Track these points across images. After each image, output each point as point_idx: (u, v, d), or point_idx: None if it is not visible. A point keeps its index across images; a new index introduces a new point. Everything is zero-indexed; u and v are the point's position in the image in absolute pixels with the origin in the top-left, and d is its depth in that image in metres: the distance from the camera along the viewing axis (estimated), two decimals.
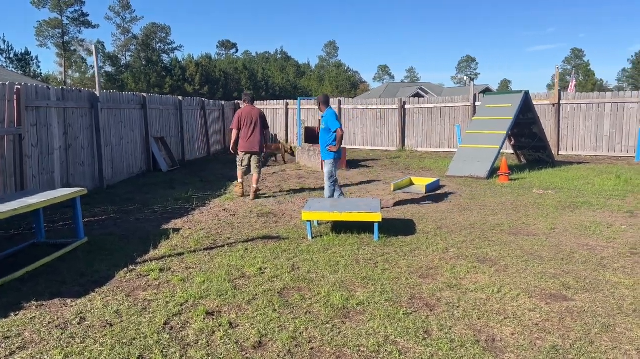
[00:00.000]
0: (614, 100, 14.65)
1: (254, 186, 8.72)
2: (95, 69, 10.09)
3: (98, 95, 9.80)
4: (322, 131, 7.57)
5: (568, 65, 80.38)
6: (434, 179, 9.87)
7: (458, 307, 3.95)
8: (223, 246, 5.70)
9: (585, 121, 14.96)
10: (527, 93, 11.58)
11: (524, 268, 4.86)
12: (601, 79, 77.24)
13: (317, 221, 6.63)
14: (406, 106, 17.76)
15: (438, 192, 9.24)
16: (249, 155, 8.80)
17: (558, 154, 14.90)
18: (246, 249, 5.52)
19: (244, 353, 3.24)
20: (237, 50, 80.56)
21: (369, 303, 4.02)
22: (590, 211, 7.37)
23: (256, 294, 4.20)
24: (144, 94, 12.29)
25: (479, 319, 3.73)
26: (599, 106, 14.77)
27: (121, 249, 5.58)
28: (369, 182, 10.53)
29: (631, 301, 4.00)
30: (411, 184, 10.03)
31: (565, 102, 15.18)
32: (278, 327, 3.59)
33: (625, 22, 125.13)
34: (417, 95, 42.57)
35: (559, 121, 15.19)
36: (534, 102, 14.83)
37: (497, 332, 3.51)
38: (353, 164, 13.65)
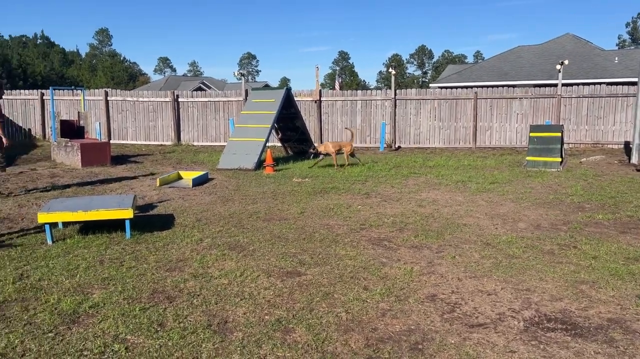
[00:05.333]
0: (363, 97, 16.77)
1: None
2: None
3: None
4: None
5: (337, 66, 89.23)
6: (203, 173, 9.89)
7: (199, 295, 4.01)
8: None
9: (342, 116, 16.79)
10: (288, 89, 12.44)
11: (269, 250, 5.20)
12: (364, 80, 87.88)
13: (62, 223, 6.01)
14: (180, 99, 17.40)
15: (206, 185, 9.29)
16: None
17: None
18: None
19: None
20: None
21: (104, 304, 3.80)
22: (336, 194, 8.28)
23: None
24: None
25: (216, 304, 3.85)
26: (352, 103, 16.73)
27: None
28: (134, 178, 10.01)
29: (351, 270, 4.62)
30: (179, 178, 9.88)
31: (325, 99, 16.80)
32: None
33: (383, 31, 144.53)
34: (199, 89, 42.19)
35: (320, 116, 16.73)
36: (299, 99, 16.07)
37: (230, 314, 3.68)
38: (120, 159, 12.82)
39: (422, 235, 5.80)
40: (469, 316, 3.68)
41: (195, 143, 17.32)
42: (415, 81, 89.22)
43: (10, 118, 17.42)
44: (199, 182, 9.34)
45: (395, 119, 16.45)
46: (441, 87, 23.72)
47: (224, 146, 16.60)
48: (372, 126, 16.66)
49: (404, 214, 6.84)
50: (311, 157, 11.94)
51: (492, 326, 3.52)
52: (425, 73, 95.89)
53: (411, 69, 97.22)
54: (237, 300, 3.92)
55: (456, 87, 21.11)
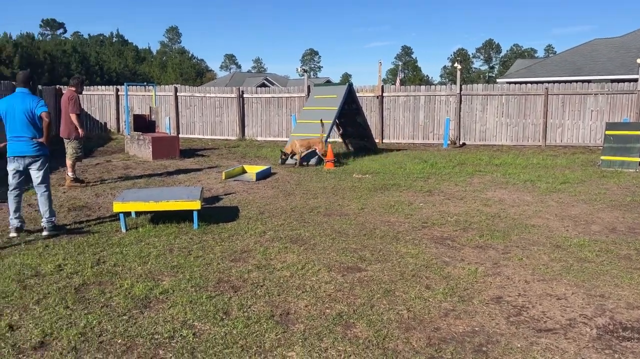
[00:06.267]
0: (427, 93, 16.46)
1: (68, 174, 8.40)
2: None
3: None
4: None
5: (399, 61, 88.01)
6: (266, 167, 10.10)
7: (262, 286, 4.11)
8: (19, 244, 5.16)
9: (404, 112, 16.56)
10: (350, 85, 12.42)
11: (330, 245, 5.24)
12: (427, 75, 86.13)
13: (135, 213, 6.34)
14: (245, 95, 17.82)
15: (269, 179, 9.47)
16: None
17: (382, 142, 16.27)
18: (46, 246, 5.07)
19: (21, 356, 2.99)
20: (66, 31, 73.11)
21: (173, 291, 3.98)
22: (397, 191, 8.20)
23: (48, 293, 3.89)
24: None
25: (278, 295, 3.93)
26: (415, 98, 16.46)
27: None
28: (201, 171, 10.38)
29: (412, 268, 4.56)
30: (243, 172, 10.13)
31: (387, 94, 16.62)
32: (67, 324, 3.38)
33: (448, 25, 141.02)
34: (263, 85, 42.92)
35: (382, 111, 16.59)
36: (361, 95, 16.02)
37: (292, 306, 3.74)
38: (188, 153, 13.32)
39: (488, 235, 5.63)
40: (537, 320, 3.54)
41: (258, 138, 17.69)
42: (482, 76, 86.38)
43: (89, 112, 18.54)
44: (262, 176, 9.54)
45: (460, 115, 16.01)
46: (509, 83, 22.86)
47: (286, 141, 16.86)
48: (436, 122, 16.31)
49: (468, 213, 6.66)
50: (280, 161, 11.20)
51: (561, 331, 3.37)
52: (492, 68, 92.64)
53: (477, 64, 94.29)
54: (299, 293, 3.98)
55: (525, 83, 20.24)
